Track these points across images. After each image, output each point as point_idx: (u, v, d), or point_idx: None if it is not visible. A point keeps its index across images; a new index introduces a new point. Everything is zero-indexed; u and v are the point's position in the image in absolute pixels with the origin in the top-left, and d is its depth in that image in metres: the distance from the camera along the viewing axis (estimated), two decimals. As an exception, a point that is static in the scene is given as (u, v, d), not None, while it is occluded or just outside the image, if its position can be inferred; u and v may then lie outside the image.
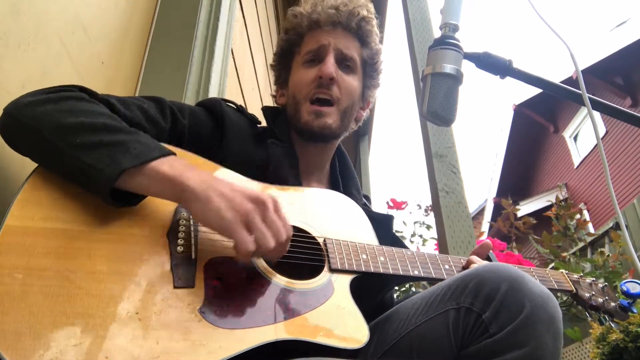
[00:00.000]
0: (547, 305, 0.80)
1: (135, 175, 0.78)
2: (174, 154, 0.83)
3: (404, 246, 1.17)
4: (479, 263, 1.10)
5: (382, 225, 1.17)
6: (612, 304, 1.23)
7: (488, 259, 1.20)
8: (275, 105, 1.35)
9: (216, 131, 1.09)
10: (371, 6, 1.27)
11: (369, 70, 1.29)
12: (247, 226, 0.77)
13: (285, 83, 1.29)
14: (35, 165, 0.82)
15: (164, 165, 0.79)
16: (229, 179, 0.98)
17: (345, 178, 1.30)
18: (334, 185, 1.28)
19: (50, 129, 0.79)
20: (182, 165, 0.81)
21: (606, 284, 1.30)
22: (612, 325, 1.26)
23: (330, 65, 1.17)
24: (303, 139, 1.21)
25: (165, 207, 0.86)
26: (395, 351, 0.93)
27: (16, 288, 0.67)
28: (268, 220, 0.79)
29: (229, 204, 0.77)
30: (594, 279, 1.29)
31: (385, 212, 1.26)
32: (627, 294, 1.21)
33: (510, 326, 0.77)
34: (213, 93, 1.72)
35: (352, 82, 1.23)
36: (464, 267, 1.11)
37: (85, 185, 0.80)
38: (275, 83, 1.35)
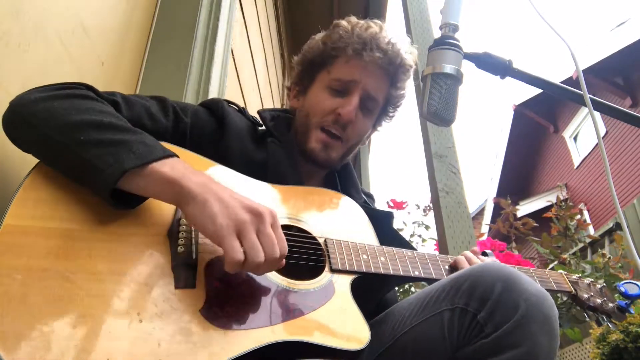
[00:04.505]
0: (543, 304, 0.79)
1: (136, 176, 0.77)
2: (177, 156, 0.83)
3: (405, 242, 1.17)
4: (468, 257, 1.10)
5: (383, 223, 1.17)
6: (610, 304, 1.24)
7: (484, 254, 1.20)
8: (289, 101, 1.33)
9: (217, 130, 1.10)
10: (415, 52, 1.24)
11: (390, 109, 1.29)
12: (239, 236, 0.74)
13: (304, 91, 1.25)
14: (35, 163, 0.82)
15: (165, 166, 0.78)
16: (231, 179, 0.99)
17: (344, 177, 1.30)
18: (331, 183, 1.29)
19: (55, 125, 0.79)
20: (184, 167, 0.80)
21: (604, 284, 1.30)
22: (610, 326, 1.27)
23: (353, 108, 1.14)
24: (303, 159, 1.20)
25: (165, 207, 0.86)
26: (391, 353, 0.93)
27: (16, 289, 0.66)
28: (262, 234, 0.75)
29: (225, 211, 0.74)
30: (592, 280, 1.29)
31: (385, 210, 1.26)
32: (624, 295, 1.21)
33: (505, 326, 0.77)
34: (213, 93, 1.72)
35: (366, 124, 1.22)
36: (452, 265, 1.11)
37: (86, 184, 0.79)
38: (293, 82, 1.31)
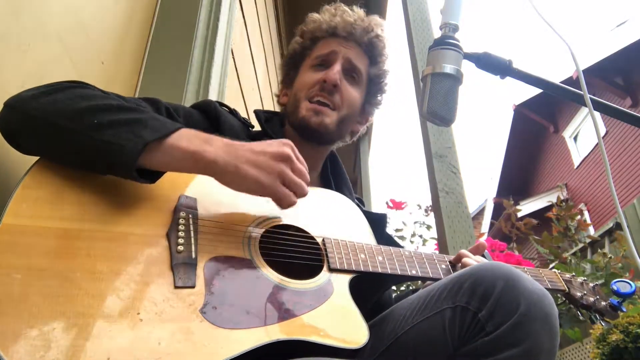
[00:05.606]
0: (543, 302, 0.79)
1: (156, 151, 0.80)
2: (185, 126, 0.86)
3: (398, 246, 1.18)
4: (469, 257, 1.11)
5: (376, 225, 1.18)
6: (603, 303, 1.24)
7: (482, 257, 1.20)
8: (278, 104, 1.36)
9: (211, 130, 1.10)
10: (386, 30, 1.31)
11: (373, 88, 1.32)
12: (283, 182, 0.86)
13: (291, 83, 1.30)
14: (32, 162, 0.81)
15: (182, 140, 0.82)
16: None
17: (337, 178, 1.32)
18: (325, 185, 1.30)
19: (63, 114, 0.79)
20: (199, 139, 0.84)
21: (597, 283, 1.31)
22: (603, 324, 1.27)
23: (336, 72, 1.20)
24: (299, 135, 1.22)
25: (165, 206, 0.86)
26: (392, 351, 0.93)
27: (15, 288, 0.66)
28: (295, 171, 0.88)
29: (262, 170, 0.84)
30: (585, 278, 1.30)
31: (379, 212, 1.27)
32: (617, 293, 1.21)
33: (506, 324, 0.77)
34: (213, 93, 1.72)
35: (354, 93, 1.25)
36: (452, 262, 1.11)
37: (105, 166, 0.79)
38: (280, 82, 1.37)
